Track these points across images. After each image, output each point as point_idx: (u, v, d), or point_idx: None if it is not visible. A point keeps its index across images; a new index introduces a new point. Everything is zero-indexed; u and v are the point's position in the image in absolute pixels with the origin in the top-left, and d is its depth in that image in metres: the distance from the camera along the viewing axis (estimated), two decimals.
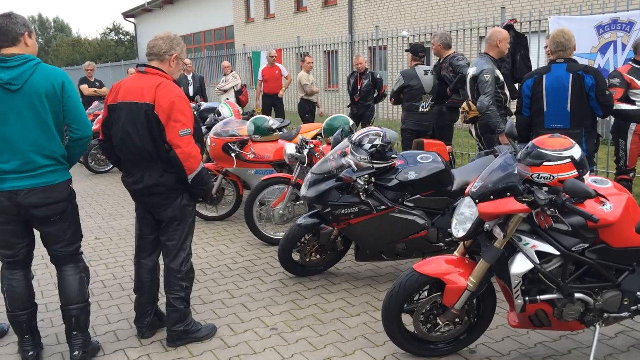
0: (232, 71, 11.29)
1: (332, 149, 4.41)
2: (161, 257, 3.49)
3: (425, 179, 4.05)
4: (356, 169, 4.00)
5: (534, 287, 2.89)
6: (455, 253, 3.16)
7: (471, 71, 5.42)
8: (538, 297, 2.87)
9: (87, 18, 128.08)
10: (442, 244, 4.25)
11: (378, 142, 4.00)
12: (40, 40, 71.49)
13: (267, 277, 4.55)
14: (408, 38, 8.91)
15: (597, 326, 2.99)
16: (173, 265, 3.37)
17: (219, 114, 7.05)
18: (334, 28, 19.25)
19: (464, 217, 2.94)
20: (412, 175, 4.05)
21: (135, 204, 3.47)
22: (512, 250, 2.89)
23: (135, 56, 38.42)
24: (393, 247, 4.23)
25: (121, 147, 3.26)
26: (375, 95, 8.30)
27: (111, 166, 9.71)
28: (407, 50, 6.65)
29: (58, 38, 50.70)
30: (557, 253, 2.77)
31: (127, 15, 38.28)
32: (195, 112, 7.96)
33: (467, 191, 2.96)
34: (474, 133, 5.62)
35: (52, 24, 75.49)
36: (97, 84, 11.54)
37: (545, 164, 2.70)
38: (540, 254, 2.80)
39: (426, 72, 6.32)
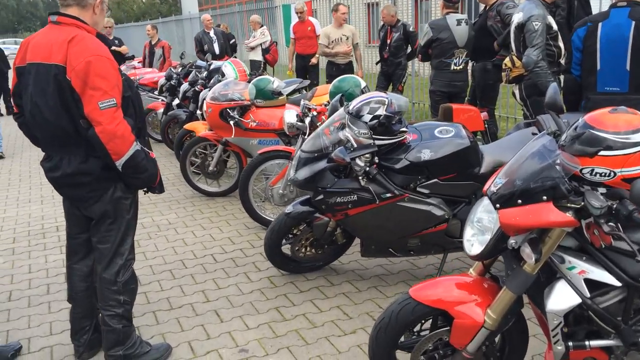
0: (261, 26, 10.37)
1: (327, 119, 3.54)
2: None
3: (443, 159, 3.16)
4: (355, 145, 3.14)
5: (581, 327, 2.02)
6: (471, 271, 2.29)
7: (516, 18, 4.38)
8: (587, 343, 2.00)
9: None
10: None
11: (381, 111, 3.11)
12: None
13: (255, 272, 3.80)
14: None
15: None
16: (106, 274, 2.64)
17: (223, 75, 6.23)
18: None
19: (482, 225, 2.06)
20: (426, 154, 3.15)
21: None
22: (550, 272, 2.01)
23: (178, 12, 37.83)
24: (404, 243, 3.38)
25: (32, 123, 2.53)
26: (409, 51, 7.23)
27: None
28: None
29: None
30: (618, 284, 1.87)
31: None
32: (205, 72, 7.26)
33: (485, 188, 2.07)
34: (517, 95, 4.61)
35: None
36: (116, 42, 10.87)
37: (602, 153, 1.78)
38: (591, 282, 1.91)
39: (459, 22, 5.25)
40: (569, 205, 1.83)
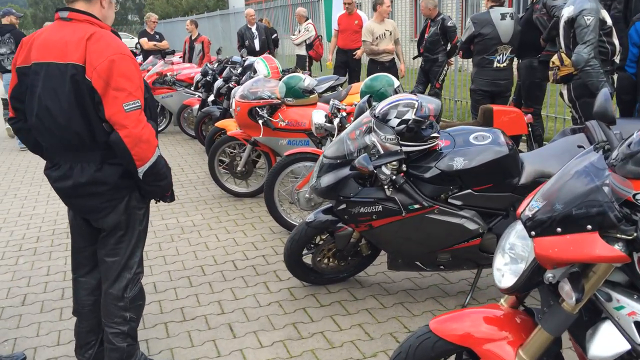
0: (306, 20, 10.09)
1: (353, 121, 3.29)
2: None
3: (479, 168, 2.87)
4: (382, 151, 2.89)
5: None
6: (502, 302, 2.01)
7: (566, 11, 4.03)
8: None
9: None
10: None
11: (410, 115, 2.85)
12: None
13: (275, 282, 3.60)
14: None
15: None
16: (113, 289, 2.48)
17: (255, 71, 6.06)
18: None
19: (515, 253, 1.79)
20: (459, 163, 2.87)
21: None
22: (593, 311, 1.72)
23: (225, 7, 38.07)
24: (433, 257, 3.12)
25: (39, 127, 2.33)
26: (448, 48, 6.83)
27: (163, 126, 9.10)
28: None
29: None
30: None
31: None
32: (239, 69, 7.11)
33: (519, 211, 1.79)
34: (565, 96, 4.25)
35: None
36: (157, 36, 10.91)
37: None
38: None
39: (503, 16, 4.88)
40: (618, 236, 1.54)
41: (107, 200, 2.37)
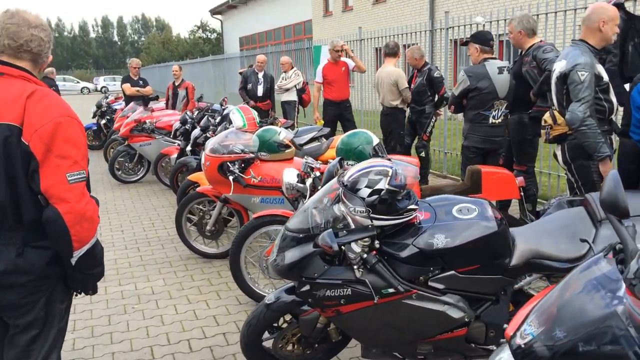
0: (292, 67, 9.89)
1: (322, 186, 2.90)
2: None
3: (463, 247, 2.46)
4: (353, 225, 2.48)
5: None
6: None
7: (558, 66, 3.71)
8: None
9: (184, 17, 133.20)
10: (492, 346, 2.64)
11: (382, 185, 2.45)
12: (143, 38, 74.38)
13: None
14: (484, 25, 7.10)
15: None
16: None
17: (231, 122, 5.71)
18: (415, 18, 17.42)
19: None
20: (441, 240, 2.47)
21: None
22: None
23: (221, 52, 38.46)
24: (412, 348, 2.68)
25: None
26: (435, 99, 6.50)
27: (141, 174, 8.72)
28: (464, 43, 4.87)
29: (150, 36, 52.22)
30: None
31: (213, 12, 38.60)
32: (218, 118, 6.79)
33: (507, 332, 1.38)
34: (559, 157, 3.89)
35: (154, 23, 79.12)
36: (141, 82, 10.66)
37: None
38: None
39: (500, 70, 4.54)
40: None
41: (30, 293, 1.95)
